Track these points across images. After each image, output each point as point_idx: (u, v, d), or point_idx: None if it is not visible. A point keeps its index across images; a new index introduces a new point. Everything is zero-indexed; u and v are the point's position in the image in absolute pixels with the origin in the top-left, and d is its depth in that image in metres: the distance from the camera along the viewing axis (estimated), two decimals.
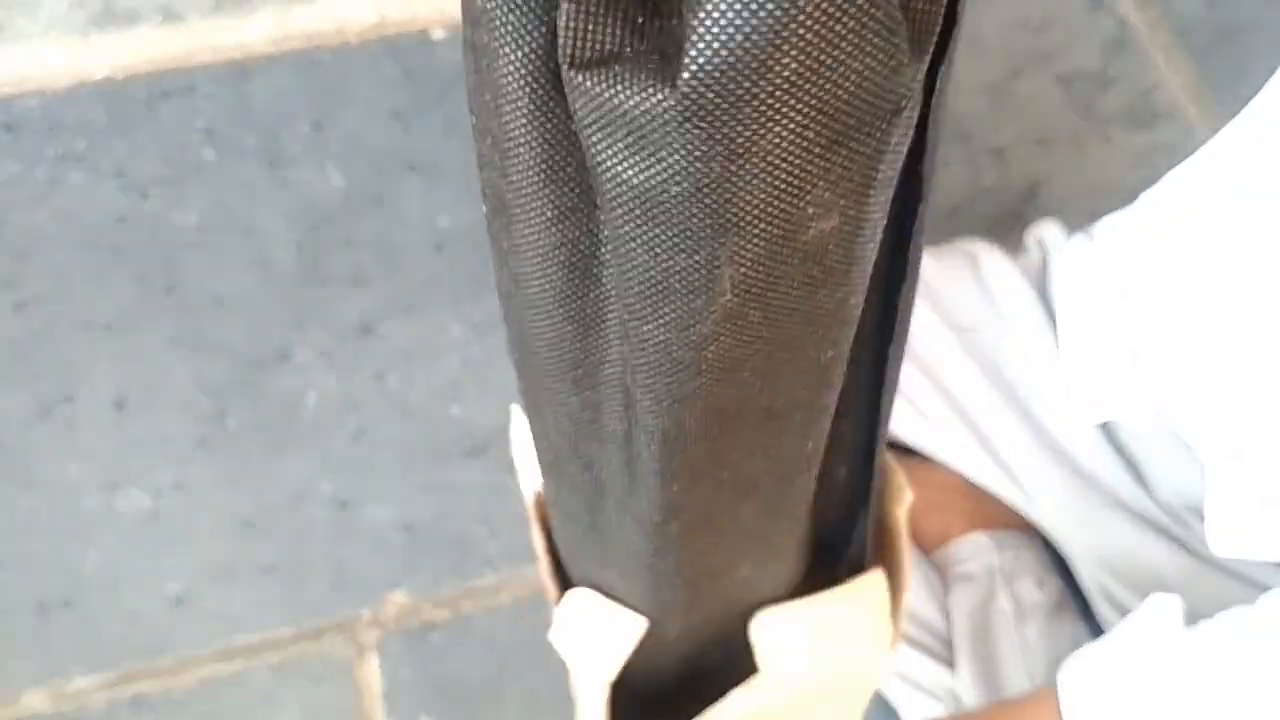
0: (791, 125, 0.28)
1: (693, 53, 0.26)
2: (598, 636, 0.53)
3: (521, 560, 1.04)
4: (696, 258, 0.31)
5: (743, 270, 0.32)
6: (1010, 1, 1.31)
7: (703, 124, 0.27)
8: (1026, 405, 0.87)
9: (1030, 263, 0.90)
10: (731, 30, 0.26)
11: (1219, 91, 1.27)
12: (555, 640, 0.57)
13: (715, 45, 0.26)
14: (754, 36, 0.26)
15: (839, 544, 0.54)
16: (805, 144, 0.28)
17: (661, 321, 0.33)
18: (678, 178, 0.29)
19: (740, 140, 0.28)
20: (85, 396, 1.06)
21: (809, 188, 0.30)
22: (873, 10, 0.26)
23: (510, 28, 0.30)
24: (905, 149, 0.33)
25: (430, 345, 1.11)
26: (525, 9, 0.29)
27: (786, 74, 0.27)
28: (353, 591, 1.02)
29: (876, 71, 0.28)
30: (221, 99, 1.18)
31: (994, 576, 0.86)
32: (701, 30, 0.26)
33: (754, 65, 0.26)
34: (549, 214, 0.34)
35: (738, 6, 0.25)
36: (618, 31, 0.28)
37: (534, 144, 0.32)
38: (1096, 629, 0.84)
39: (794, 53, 0.26)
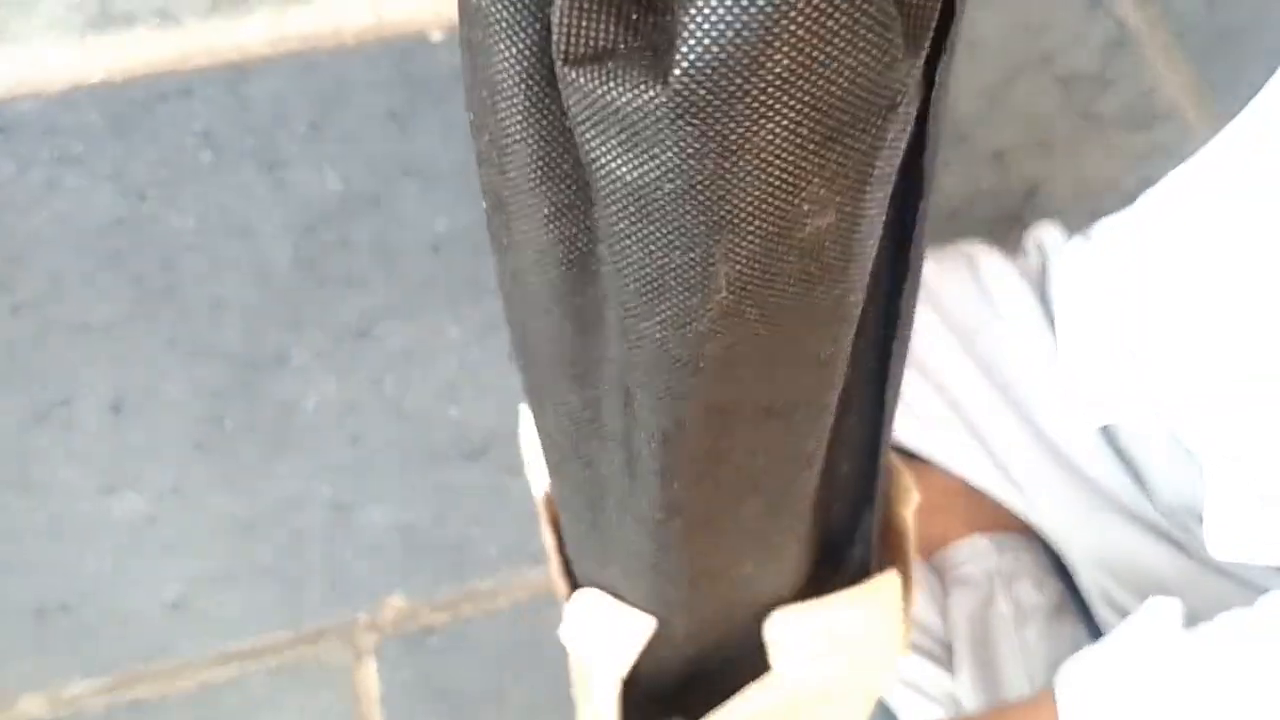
0: (785, 122, 0.28)
1: (684, 49, 0.26)
2: (608, 635, 0.53)
3: (520, 563, 1.04)
4: (691, 255, 0.31)
5: (738, 267, 0.32)
6: (1009, 3, 1.31)
7: (695, 121, 0.27)
8: (1025, 407, 0.87)
9: (1029, 265, 0.91)
10: (723, 27, 0.26)
11: (1218, 93, 1.27)
12: (565, 637, 0.57)
13: (706, 42, 0.26)
14: (745, 33, 0.26)
15: (843, 542, 0.54)
16: (799, 140, 0.28)
17: (658, 319, 0.33)
18: (671, 175, 0.29)
19: (733, 137, 0.28)
20: (82, 400, 1.06)
21: (803, 184, 0.30)
22: (865, 6, 0.26)
23: (505, 24, 0.30)
24: (903, 145, 0.33)
25: (428, 347, 1.11)
26: (519, 5, 0.29)
27: (778, 70, 0.27)
28: (350, 595, 1.02)
29: (870, 67, 0.28)
30: (218, 101, 1.18)
31: (993, 579, 0.87)
32: (693, 27, 0.26)
33: (746, 62, 0.26)
34: (546, 211, 0.34)
35: (729, 3, 0.25)
36: (611, 27, 0.28)
37: (530, 141, 0.32)
38: (1096, 631, 0.84)
39: (786, 49, 0.26)
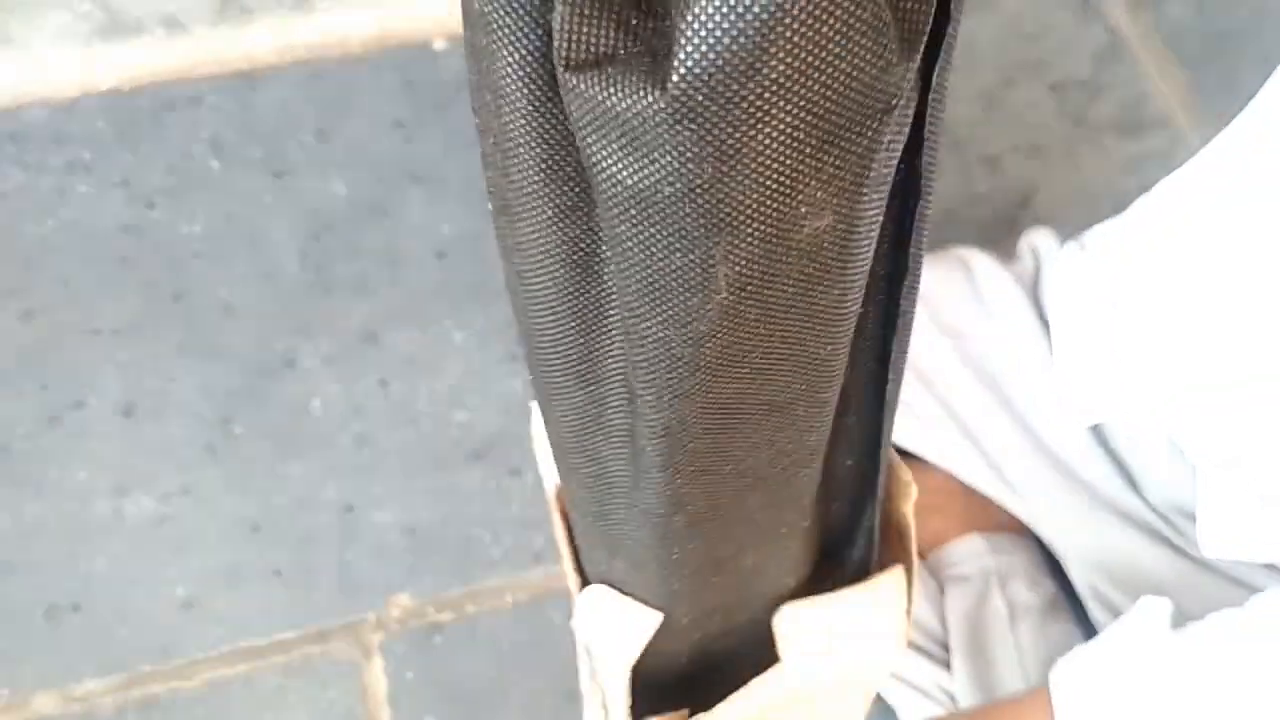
0: (781, 126, 0.28)
1: (681, 55, 0.26)
2: (617, 628, 0.53)
3: (524, 563, 1.05)
4: (691, 257, 0.31)
5: (738, 269, 0.32)
6: (1003, 11, 1.32)
7: (693, 126, 0.28)
8: (1019, 409, 0.87)
9: (1023, 269, 0.91)
10: (719, 33, 0.26)
11: (1209, 100, 1.28)
12: (577, 629, 0.58)
13: (704, 48, 0.26)
14: (741, 38, 0.26)
15: (844, 538, 0.54)
16: (796, 144, 0.29)
17: (660, 319, 0.34)
18: (670, 178, 0.29)
19: (731, 141, 0.28)
20: (94, 403, 1.07)
21: (801, 187, 0.30)
22: (859, 11, 0.27)
23: (507, 30, 0.30)
24: (900, 147, 0.33)
25: (433, 352, 1.12)
26: (521, 11, 0.30)
27: (775, 75, 0.27)
28: (358, 595, 1.03)
29: (865, 71, 0.28)
30: (226, 109, 1.19)
31: (988, 578, 0.87)
32: (690, 33, 0.26)
33: (742, 67, 0.26)
34: (549, 212, 0.34)
35: (725, 9, 0.25)
36: (611, 33, 0.28)
37: (533, 144, 0.32)
38: (1089, 629, 0.84)
39: (782, 54, 0.26)
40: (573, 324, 0.38)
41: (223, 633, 1.01)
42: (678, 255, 0.31)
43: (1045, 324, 0.86)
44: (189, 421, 1.07)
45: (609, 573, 0.50)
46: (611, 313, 0.37)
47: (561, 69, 0.29)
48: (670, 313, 0.33)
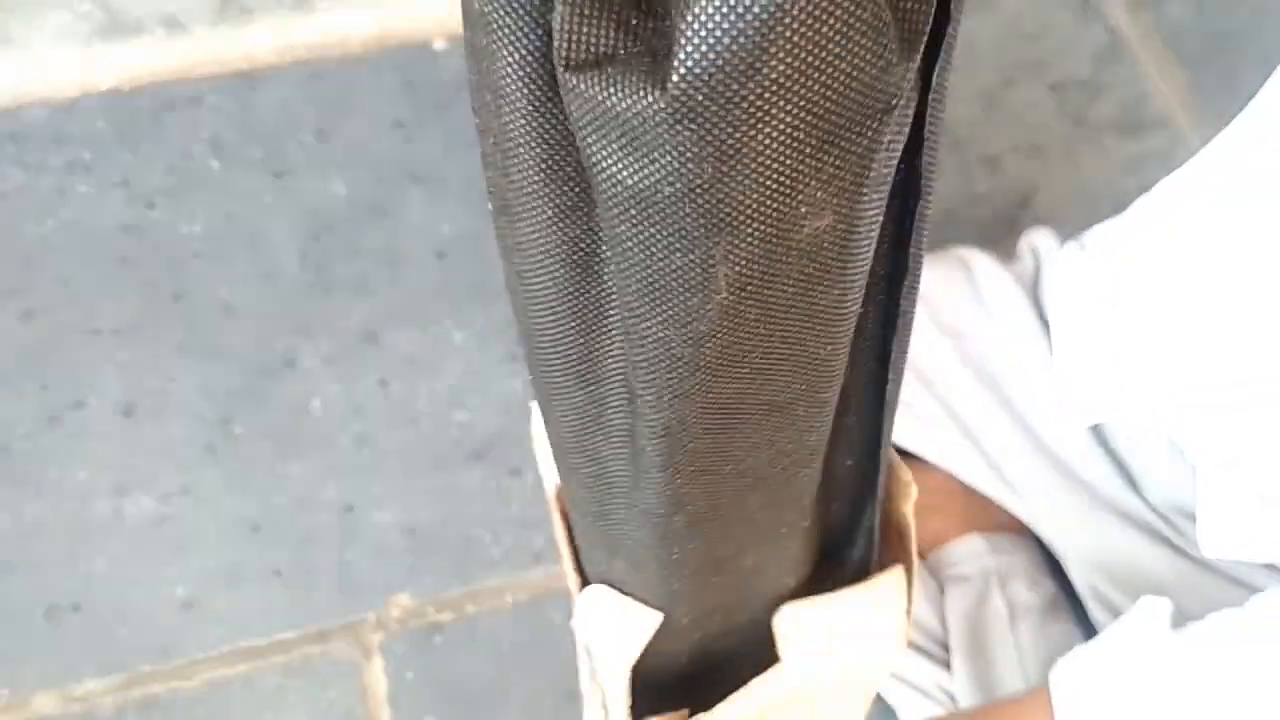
0: (781, 126, 0.28)
1: (681, 55, 0.26)
2: (617, 628, 0.53)
3: (524, 563, 1.05)
4: (691, 257, 0.31)
5: (738, 269, 0.32)
6: (1002, 11, 1.32)
7: (693, 126, 0.28)
8: (1019, 409, 0.87)
9: (1023, 269, 0.91)
10: (719, 33, 0.26)
11: (1209, 100, 1.28)
12: (577, 629, 0.58)
13: (704, 48, 0.26)
14: (741, 38, 0.26)
15: (845, 537, 0.54)
16: (796, 144, 0.29)
17: (660, 319, 0.34)
18: (670, 179, 0.29)
19: (731, 141, 0.28)
20: (94, 403, 1.07)
21: (801, 187, 0.30)
22: (859, 11, 0.27)
23: (507, 30, 0.30)
24: (900, 147, 0.33)
25: (433, 352, 1.12)
26: (521, 11, 0.30)
27: (775, 75, 0.27)
28: (358, 595, 1.03)
29: (865, 71, 0.28)
30: (226, 110, 1.20)
31: (988, 578, 0.87)
32: (689, 33, 0.26)
33: (742, 67, 0.26)
34: (549, 212, 0.34)
35: (724, 9, 0.25)
36: (611, 33, 0.28)
37: (533, 144, 0.32)
38: (1089, 629, 0.84)
39: (781, 54, 0.26)
40: (573, 324, 0.38)
41: (223, 633, 1.01)
42: (678, 255, 0.31)
43: (1045, 324, 0.86)
44: (189, 421, 1.07)
45: (609, 572, 0.50)
46: (611, 313, 0.37)
47: (561, 69, 0.29)
48: (670, 313, 0.33)
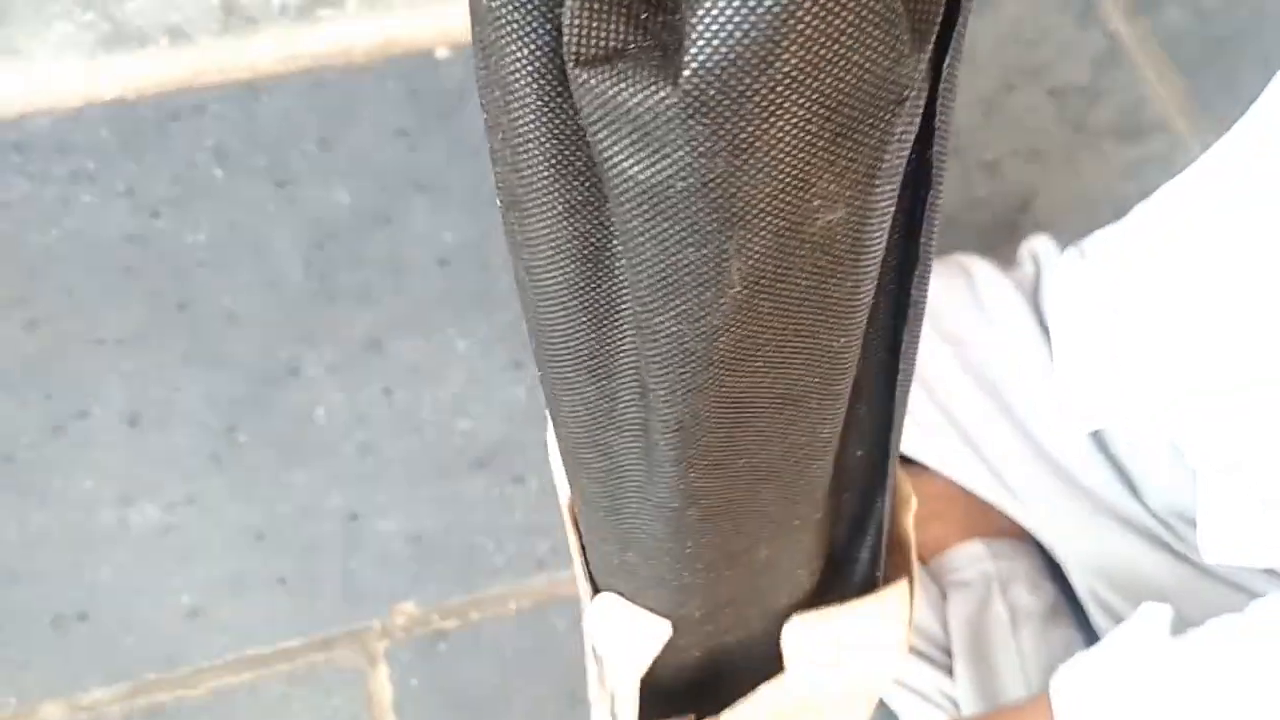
0: (794, 119, 0.28)
1: (694, 50, 0.26)
2: (628, 636, 0.53)
3: (527, 570, 1.05)
4: (705, 251, 0.31)
5: (751, 263, 0.32)
6: (1001, 16, 1.33)
7: (706, 120, 0.28)
8: (1020, 416, 0.88)
9: (1023, 275, 0.91)
10: (731, 27, 0.26)
11: (1208, 104, 1.28)
12: (588, 636, 0.58)
13: (716, 42, 0.26)
14: (754, 32, 0.26)
15: (857, 526, 0.54)
16: (809, 137, 0.29)
17: (673, 314, 0.34)
18: (683, 173, 0.29)
19: (744, 135, 0.28)
20: (98, 413, 1.07)
21: (814, 180, 0.30)
22: (871, 3, 0.27)
23: (516, 25, 0.30)
24: (911, 139, 0.33)
25: (436, 360, 1.12)
26: (530, 7, 0.30)
27: (788, 69, 0.27)
28: (362, 602, 1.03)
29: (878, 63, 0.28)
30: (230, 119, 1.20)
31: (990, 584, 0.87)
32: (701, 28, 0.26)
33: (755, 61, 0.26)
34: (560, 208, 0.34)
35: (737, 3, 0.25)
36: (621, 28, 0.28)
37: (543, 139, 0.32)
38: (1090, 634, 0.84)
39: (794, 47, 0.26)
40: (584, 319, 0.38)
41: (228, 641, 1.01)
42: (691, 250, 0.31)
43: (1046, 330, 0.87)
44: (193, 430, 1.08)
45: (620, 567, 0.50)
46: (623, 307, 0.37)
47: (571, 64, 0.29)
48: (683, 307, 0.33)
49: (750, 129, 0.28)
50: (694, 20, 0.26)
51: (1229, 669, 0.61)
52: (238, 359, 1.10)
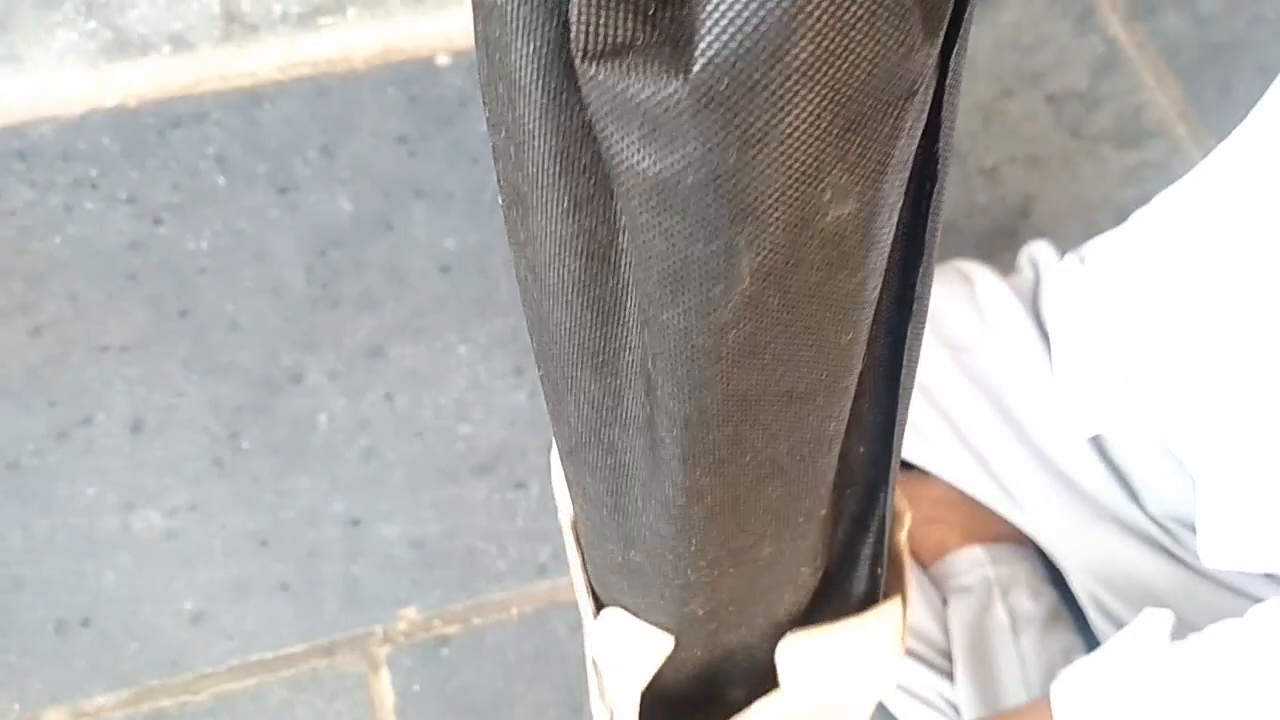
0: (806, 111, 0.28)
1: (705, 42, 0.26)
2: (630, 651, 0.53)
3: (529, 575, 1.05)
4: (714, 245, 0.31)
5: (761, 257, 0.31)
6: (1000, 23, 1.33)
7: (717, 113, 0.27)
8: (1019, 421, 0.88)
9: (1023, 281, 0.91)
10: (743, 19, 0.26)
11: (1207, 110, 1.29)
12: (592, 652, 0.58)
13: (728, 34, 0.26)
14: (766, 24, 0.26)
15: (859, 525, 0.54)
16: (820, 129, 0.28)
17: (681, 309, 0.33)
18: (693, 167, 0.29)
19: (755, 128, 0.28)
20: (102, 419, 1.08)
21: (825, 173, 0.30)
22: None
23: (522, 21, 0.29)
24: (919, 132, 0.33)
25: (438, 366, 1.12)
26: (536, 1, 0.29)
27: (800, 60, 0.26)
28: (365, 607, 1.03)
29: (890, 55, 0.28)
30: (232, 126, 1.20)
31: (990, 588, 0.87)
32: (712, 20, 0.26)
33: (767, 52, 0.26)
34: (565, 204, 0.34)
35: None
36: (629, 22, 0.27)
37: (548, 136, 0.32)
38: (1090, 639, 0.84)
39: (807, 38, 0.26)
40: (589, 316, 0.37)
41: (231, 646, 1.01)
42: (700, 244, 0.31)
43: (1045, 336, 0.87)
44: (196, 436, 1.08)
45: (623, 566, 0.49)
46: (629, 303, 0.37)
47: (579, 59, 0.28)
48: (692, 302, 0.33)
49: (762, 121, 0.28)
50: (704, 13, 0.26)
51: (1229, 674, 0.61)
52: (240, 365, 1.11)
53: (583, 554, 0.55)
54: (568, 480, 0.49)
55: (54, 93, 1.20)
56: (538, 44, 0.30)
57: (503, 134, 0.34)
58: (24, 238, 1.14)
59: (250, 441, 1.08)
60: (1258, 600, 0.77)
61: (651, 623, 0.52)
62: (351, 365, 1.12)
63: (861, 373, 0.42)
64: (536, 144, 0.32)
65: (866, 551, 0.54)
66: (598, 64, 0.28)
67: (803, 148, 0.29)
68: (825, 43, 0.26)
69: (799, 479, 0.45)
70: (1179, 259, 0.70)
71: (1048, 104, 1.29)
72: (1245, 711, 0.60)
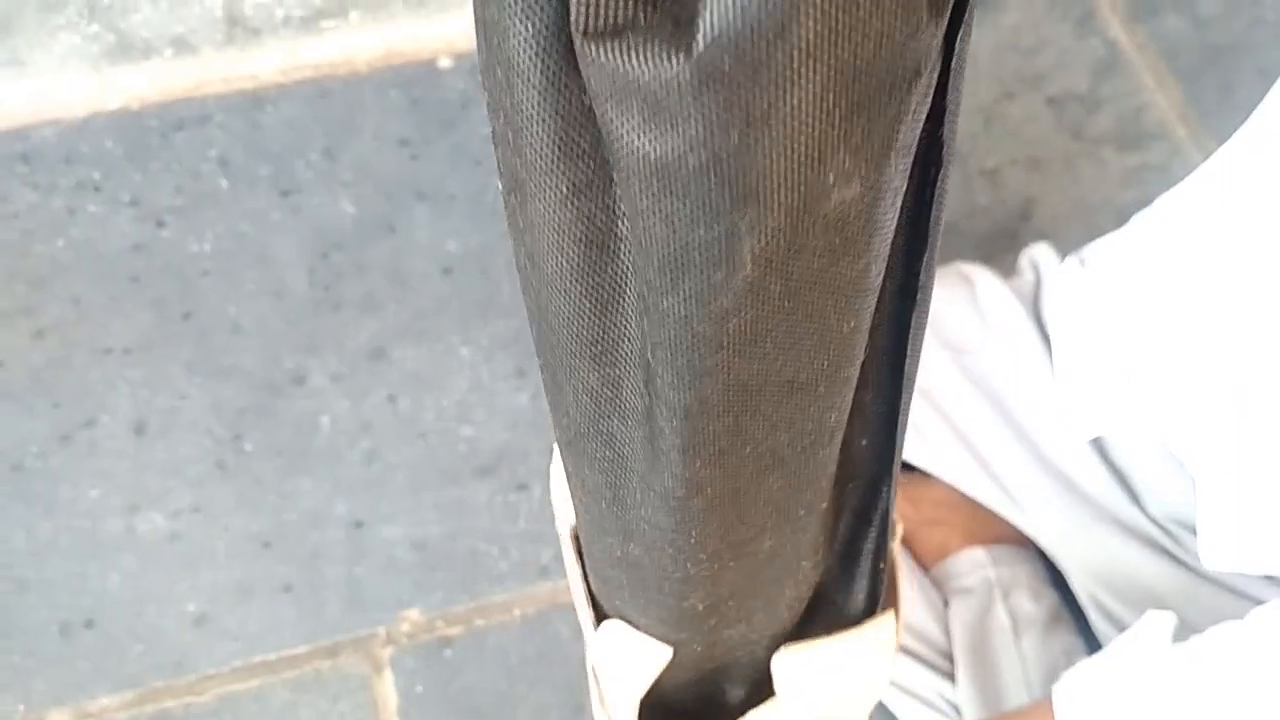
0: (811, 91, 0.27)
1: (707, 19, 0.25)
2: (630, 661, 0.53)
3: (531, 577, 1.05)
4: (716, 230, 0.30)
5: (763, 242, 0.31)
6: (1001, 25, 1.33)
7: (720, 92, 0.26)
8: (1020, 423, 0.88)
9: (1024, 284, 0.91)
10: None
11: (1207, 112, 1.29)
12: (592, 662, 0.58)
13: (731, 12, 0.25)
14: (770, 1, 0.25)
15: (861, 520, 0.54)
16: (825, 110, 0.28)
17: (682, 296, 0.33)
18: (695, 149, 0.28)
19: (758, 108, 0.27)
20: (105, 421, 1.08)
21: (829, 155, 0.29)
22: None
23: (520, 2, 0.29)
24: (924, 115, 0.32)
25: (440, 368, 1.13)
26: None
27: (805, 38, 0.26)
28: (367, 609, 1.03)
29: (896, 33, 0.27)
30: (234, 129, 1.21)
31: (991, 590, 0.87)
32: None
33: (771, 30, 0.25)
34: (564, 190, 0.33)
35: None
36: (630, 1, 0.27)
37: (547, 119, 0.31)
38: (1091, 640, 0.85)
39: (812, 15, 0.25)
40: (588, 304, 0.37)
41: (234, 648, 1.01)
42: (702, 229, 0.30)
43: (1046, 338, 0.87)
44: (200, 439, 1.08)
45: (622, 560, 0.49)
46: (628, 292, 0.36)
47: (579, 39, 0.28)
48: (693, 289, 0.32)
49: (766, 101, 0.27)
50: None
51: (1231, 677, 0.61)
52: (243, 368, 1.11)
53: (582, 564, 0.55)
54: (567, 473, 0.49)
55: (57, 96, 1.20)
56: (536, 25, 0.29)
57: (501, 119, 0.33)
58: (27, 240, 1.14)
59: (253, 444, 1.08)
60: (1259, 602, 0.77)
61: (651, 620, 0.52)
62: (354, 367, 1.12)
63: (864, 363, 0.42)
64: (535, 128, 0.32)
65: (869, 546, 0.53)
66: (598, 44, 0.27)
67: (807, 129, 0.28)
68: (831, 19, 0.26)
69: (800, 471, 0.44)
70: (1180, 261, 0.70)
71: (1048, 106, 1.30)
72: (1247, 713, 0.60)
